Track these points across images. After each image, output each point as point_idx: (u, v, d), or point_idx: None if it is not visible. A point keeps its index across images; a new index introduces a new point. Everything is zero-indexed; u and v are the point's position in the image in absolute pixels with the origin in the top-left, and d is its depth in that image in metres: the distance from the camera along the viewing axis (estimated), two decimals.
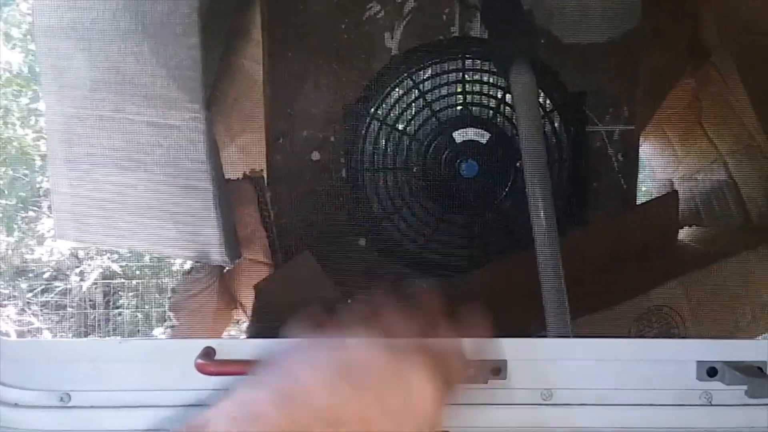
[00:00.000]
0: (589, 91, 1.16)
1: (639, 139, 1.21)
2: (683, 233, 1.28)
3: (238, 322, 1.20)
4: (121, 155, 0.82)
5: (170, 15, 0.72)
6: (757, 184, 1.22)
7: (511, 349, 0.72)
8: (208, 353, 0.71)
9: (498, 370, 0.71)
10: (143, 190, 0.83)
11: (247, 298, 1.24)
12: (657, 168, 1.48)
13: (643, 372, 0.74)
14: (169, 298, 0.88)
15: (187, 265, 0.91)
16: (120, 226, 0.85)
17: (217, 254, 0.85)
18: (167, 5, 0.72)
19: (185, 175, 0.81)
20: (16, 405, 0.73)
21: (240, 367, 0.70)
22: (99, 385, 0.72)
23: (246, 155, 1.22)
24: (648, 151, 1.48)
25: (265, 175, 1.20)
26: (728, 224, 1.22)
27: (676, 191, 1.25)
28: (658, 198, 1.16)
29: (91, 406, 0.73)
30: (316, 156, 1.17)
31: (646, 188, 1.52)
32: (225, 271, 0.97)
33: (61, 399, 0.73)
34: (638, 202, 1.24)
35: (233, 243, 0.87)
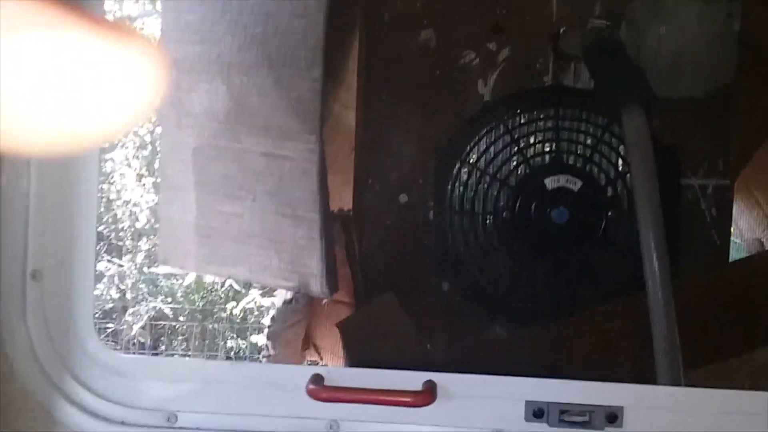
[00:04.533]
0: (683, 144, 1.14)
1: (734, 195, 1.18)
2: None
3: (308, 363, 1.19)
4: (232, 184, 0.84)
5: (297, 49, 0.75)
6: None
7: (629, 394, 0.69)
8: (318, 380, 0.70)
9: (614, 416, 0.68)
10: (249, 219, 0.84)
11: (324, 339, 1.23)
12: (743, 227, 1.44)
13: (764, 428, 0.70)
14: (269, 326, 0.88)
15: (288, 295, 0.91)
16: (223, 254, 0.87)
17: (317, 285, 0.86)
18: (295, 39, 0.75)
19: (294, 204, 0.82)
20: (122, 423, 0.73)
21: (351, 395, 0.69)
22: (207, 406, 0.72)
23: (333, 194, 1.24)
24: (735, 209, 1.44)
25: (351, 215, 1.21)
26: None
27: None
28: (759, 253, 1.12)
29: (198, 428, 0.72)
30: (404, 198, 1.18)
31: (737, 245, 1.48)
32: (324, 303, 0.97)
33: (168, 419, 0.73)
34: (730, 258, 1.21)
35: (333, 275, 0.87)
